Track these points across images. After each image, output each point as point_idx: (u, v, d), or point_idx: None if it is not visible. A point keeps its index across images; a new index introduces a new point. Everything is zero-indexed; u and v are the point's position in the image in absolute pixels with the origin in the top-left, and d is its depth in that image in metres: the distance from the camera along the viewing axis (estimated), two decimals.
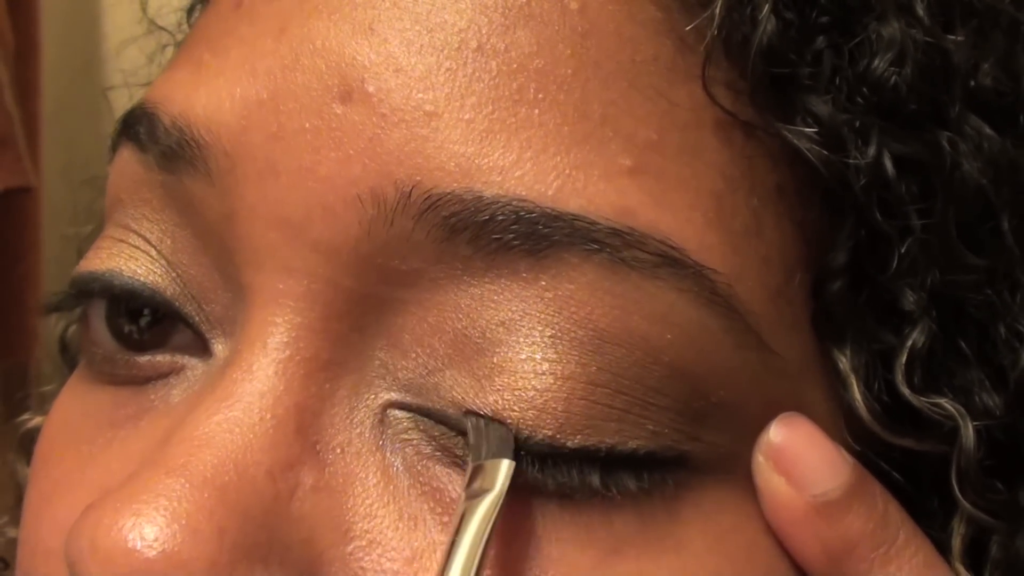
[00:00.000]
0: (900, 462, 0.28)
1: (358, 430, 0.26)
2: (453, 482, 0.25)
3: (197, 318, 0.28)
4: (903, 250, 0.27)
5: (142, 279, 0.29)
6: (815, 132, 0.26)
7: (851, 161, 0.26)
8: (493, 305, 0.25)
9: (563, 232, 0.25)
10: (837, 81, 0.27)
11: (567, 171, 0.25)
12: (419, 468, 0.26)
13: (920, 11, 0.28)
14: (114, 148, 0.30)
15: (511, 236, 0.25)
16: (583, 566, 0.25)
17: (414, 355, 0.26)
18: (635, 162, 0.26)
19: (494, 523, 0.24)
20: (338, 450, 0.26)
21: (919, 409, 0.27)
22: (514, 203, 0.25)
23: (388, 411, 0.26)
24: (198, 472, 0.24)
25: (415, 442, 0.26)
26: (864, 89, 0.27)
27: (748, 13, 0.26)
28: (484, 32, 0.26)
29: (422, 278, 0.26)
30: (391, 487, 0.25)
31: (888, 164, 0.27)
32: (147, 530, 0.23)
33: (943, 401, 0.27)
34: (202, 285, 0.28)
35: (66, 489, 0.29)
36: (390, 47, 0.26)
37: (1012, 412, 0.28)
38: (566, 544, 0.25)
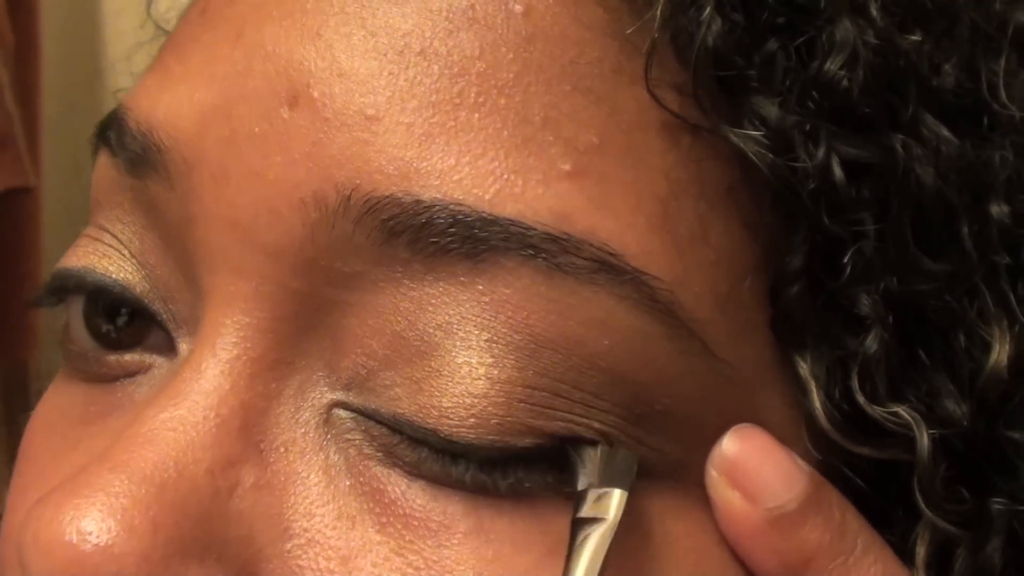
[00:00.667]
0: (864, 470, 0.28)
1: (303, 429, 0.26)
2: (396, 484, 0.25)
3: (164, 317, 0.29)
4: (857, 255, 0.27)
5: (113, 276, 0.29)
6: (762, 135, 0.26)
7: (799, 164, 0.26)
8: (431, 308, 0.25)
9: (499, 237, 0.25)
10: (787, 83, 0.27)
11: (505, 175, 0.25)
12: (360, 468, 0.26)
13: (874, 12, 0.27)
14: (95, 152, 0.31)
15: (448, 239, 0.25)
16: (520, 567, 0.25)
17: (356, 356, 0.26)
18: (575, 166, 0.25)
19: (608, 551, 0.24)
20: (282, 449, 0.26)
21: (876, 417, 0.27)
22: (451, 207, 0.25)
23: (333, 411, 0.26)
24: (138, 468, 0.25)
25: (357, 442, 0.26)
26: (814, 92, 0.26)
27: (692, 14, 0.26)
28: (427, 36, 0.26)
29: (364, 280, 0.26)
30: (332, 486, 0.26)
31: (837, 168, 0.26)
32: (83, 524, 0.24)
33: (900, 409, 0.27)
34: (168, 286, 0.29)
35: (36, 483, 0.29)
36: (335, 52, 0.26)
37: (975, 421, 0.27)
38: (503, 544, 0.25)
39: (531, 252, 0.25)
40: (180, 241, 0.28)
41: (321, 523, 0.25)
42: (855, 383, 0.27)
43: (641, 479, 0.26)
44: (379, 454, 0.26)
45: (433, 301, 0.25)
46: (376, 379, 0.26)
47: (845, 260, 0.27)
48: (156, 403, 0.26)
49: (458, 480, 0.25)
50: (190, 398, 0.26)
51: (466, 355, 0.25)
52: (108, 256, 0.30)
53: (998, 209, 0.28)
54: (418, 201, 0.25)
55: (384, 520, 0.25)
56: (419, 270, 0.25)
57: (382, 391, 0.26)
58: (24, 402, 1.05)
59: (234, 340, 0.26)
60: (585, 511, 0.24)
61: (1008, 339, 0.28)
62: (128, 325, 0.30)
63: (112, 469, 0.25)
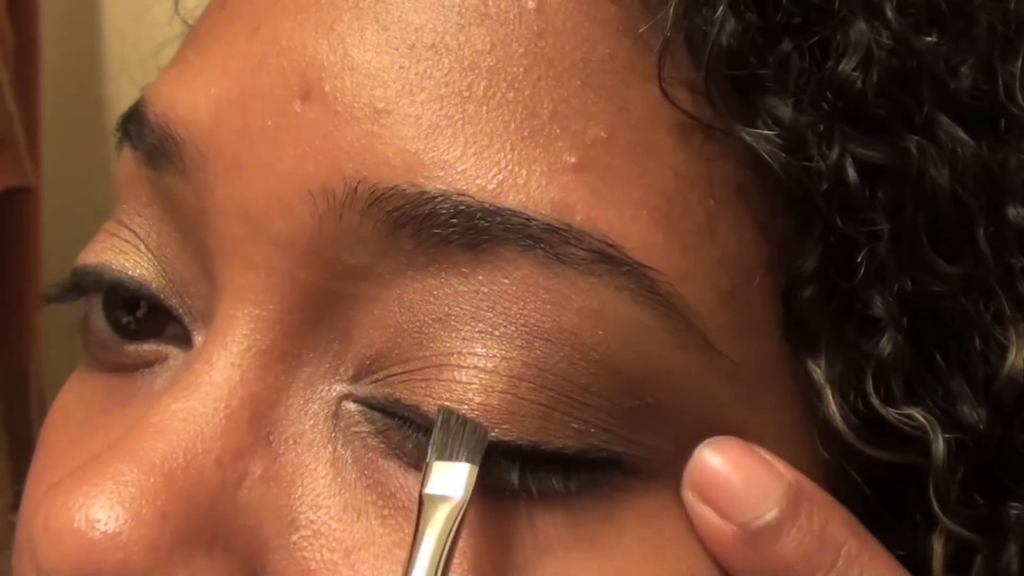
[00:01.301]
0: (880, 474, 0.28)
1: (312, 422, 0.26)
2: (395, 476, 0.26)
3: (181, 310, 0.29)
4: (870, 256, 0.27)
5: (130, 272, 0.30)
6: (775, 134, 0.26)
7: (812, 164, 0.26)
8: (432, 300, 0.26)
9: (500, 227, 0.25)
10: (801, 84, 0.27)
11: (509, 167, 0.25)
12: (366, 461, 0.26)
13: (889, 13, 0.27)
14: (119, 145, 0.31)
15: (451, 230, 0.25)
16: (514, 562, 0.25)
17: (361, 348, 0.26)
18: (581, 159, 0.26)
19: (456, 531, 0.24)
20: (291, 441, 0.26)
21: (891, 420, 0.27)
22: (454, 197, 0.25)
23: (342, 403, 0.27)
24: (147, 458, 0.25)
25: (364, 435, 0.26)
26: (828, 92, 0.26)
27: (705, 13, 0.26)
28: (439, 30, 0.26)
29: (370, 272, 0.26)
30: (339, 479, 0.26)
31: (851, 169, 0.26)
32: (92, 511, 0.24)
33: (915, 412, 0.27)
34: (184, 278, 0.29)
35: (52, 471, 0.30)
36: (347, 46, 0.27)
37: (992, 425, 0.27)
38: (499, 539, 0.25)
39: (530, 243, 0.25)
40: (195, 233, 0.28)
41: (327, 515, 0.26)
42: (870, 386, 0.27)
43: (633, 477, 0.26)
44: (382, 446, 0.26)
45: (435, 292, 0.26)
46: (379, 370, 0.26)
47: (859, 261, 0.27)
48: (168, 394, 0.26)
49: None
50: (201, 389, 0.26)
51: (459, 346, 0.25)
52: (125, 252, 0.30)
53: (1014, 212, 0.28)
54: (422, 192, 0.25)
55: (386, 512, 0.26)
56: (422, 261, 0.26)
57: (383, 381, 0.26)
58: (24, 403, 1.05)
59: (245, 332, 0.26)
60: (434, 486, 0.24)
61: None
62: (147, 317, 0.30)
63: (122, 458, 0.25)
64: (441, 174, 0.25)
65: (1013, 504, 0.28)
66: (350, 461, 0.26)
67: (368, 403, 0.26)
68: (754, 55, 0.26)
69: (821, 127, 0.26)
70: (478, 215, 0.25)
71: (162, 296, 0.29)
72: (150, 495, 0.25)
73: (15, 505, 0.31)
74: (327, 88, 0.26)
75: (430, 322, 0.26)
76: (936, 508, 0.27)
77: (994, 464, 0.28)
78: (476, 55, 0.26)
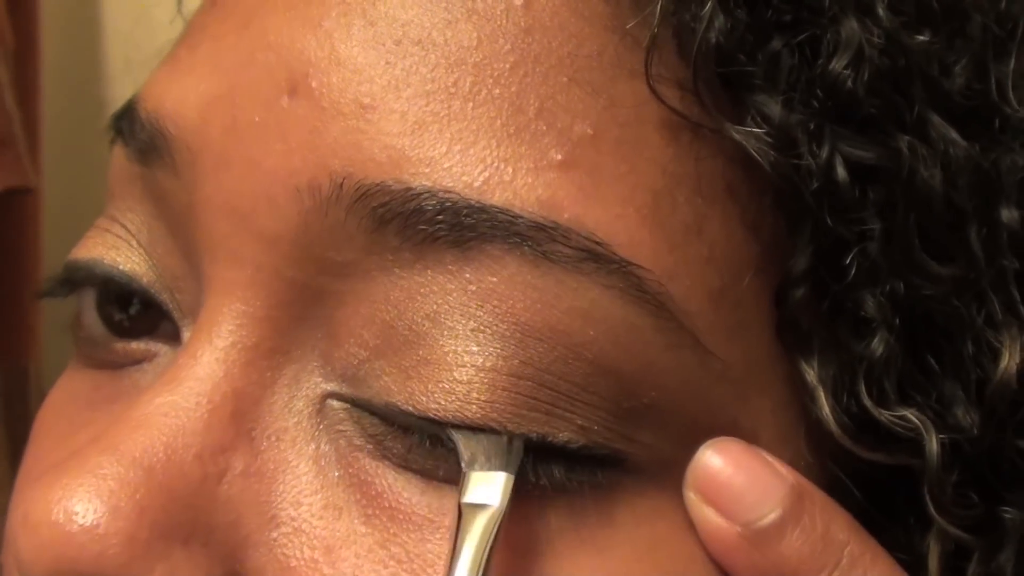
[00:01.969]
0: (874, 476, 0.28)
1: (295, 419, 0.26)
2: (384, 477, 0.26)
3: (171, 305, 0.29)
4: (861, 256, 0.26)
5: (121, 267, 0.30)
6: (765, 133, 0.26)
7: (802, 163, 0.26)
8: (420, 297, 0.25)
9: (487, 224, 0.25)
10: (791, 82, 0.26)
11: (495, 164, 0.25)
12: (349, 459, 0.26)
13: (881, 11, 0.27)
14: (112, 142, 0.31)
15: (436, 227, 0.25)
16: (502, 563, 0.25)
17: (348, 346, 0.26)
18: (567, 156, 0.25)
19: (495, 538, 0.24)
20: (273, 437, 0.26)
21: (884, 422, 0.27)
22: (440, 194, 0.25)
23: (327, 401, 0.27)
24: (127, 452, 0.25)
25: (348, 433, 0.26)
26: (818, 91, 0.26)
27: (693, 9, 0.26)
28: (426, 26, 0.26)
29: (356, 269, 0.26)
30: (321, 476, 0.26)
31: (840, 168, 0.26)
32: (70, 504, 0.24)
33: (908, 413, 0.27)
34: (175, 275, 0.29)
35: (39, 465, 0.30)
36: (334, 41, 0.27)
37: (985, 429, 0.27)
38: (505, 540, 0.25)
39: (517, 240, 0.25)
40: (184, 229, 0.28)
41: (308, 512, 0.26)
42: (863, 387, 0.27)
43: (631, 476, 0.26)
44: (369, 446, 0.26)
45: (422, 290, 0.25)
46: (367, 369, 0.26)
47: (850, 261, 0.26)
48: (152, 389, 0.26)
49: (445, 474, 0.25)
50: (184, 384, 0.26)
51: (452, 344, 0.25)
52: (117, 247, 0.30)
53: (1007, 213, 0.28)
54: (408, 189, 0.25)
55: (370, 512, 0.25)
56: (409, 259, 0.25)
57: (373, 381, 0.26)
58: (24, 403, 1.05)
59: (230, 328, 0.26)
60: (471, 496, 0.24)
61: (1018, 347, 0.27)
62: (140, 314, 0.30)
63: (102, 451, 0.25)
64: (427, 171, 0.25)
65: (1007, 508, 0.28)
66: (333, 459, 0.26)
67: (356, 402, 0.26)
68: (743, 52, 0.26)
69: (811, 126, 0.26)
70: (464, 212, 0.25)
71: (152, 291, 0.29)
72: (129, 489, 0.25)
73: None
74: (314, 84, 0.26)
75: (420, 320, 0.25)
76: (931, 509, 0.27)
77: (988, 467, 0.28)
78: (463, 51, 0.26)
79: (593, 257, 0.25)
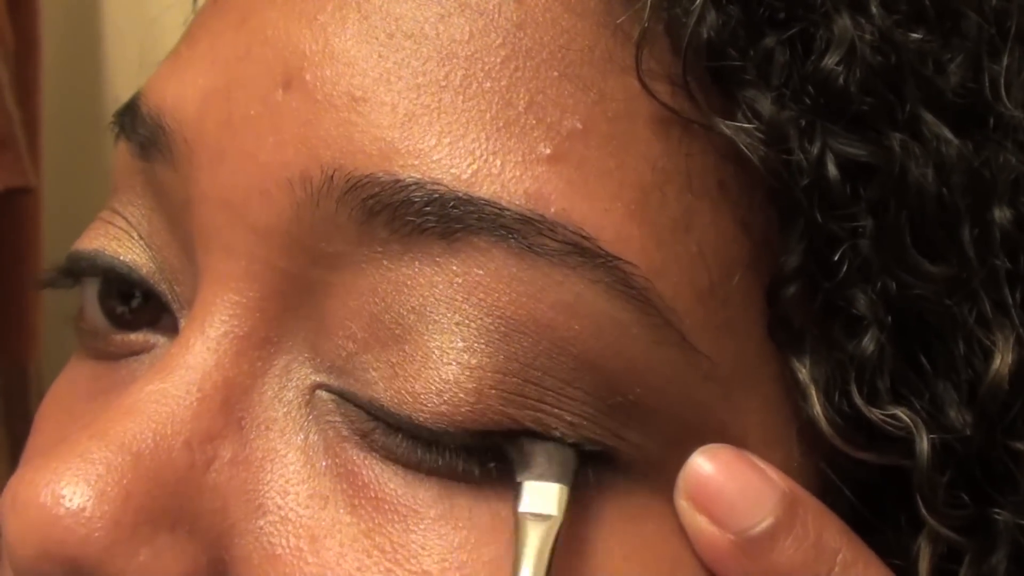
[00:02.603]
0: (866, 477, 0.27)
1: (285, 408, 0.27)
2: (367, 466, 0.26)
3: (170, 297, 0.30)
4: (853, 254, 0.26)
5: (122, 257, 0.30)
6: (755, 128, 0.26)
7: (792, 159, 0.26)
8: (407, 290, 0.26)
9: (473, 216, 0.25)
10: (783, 78, 0.26)
11: (484, 156, 0.25)
12: (337, 450, 0.26)
13: (874, 8, 0.27)
14: (116, 139, 0.31)
15: (425, 218, 0.25)
16: (486, 555, 0.25)
17: (337, 338, 0.26)
18: (556, 150, 0.25)
19: (554, 548, 0.24)
20: (263, 427, 0.26)
21: (875, 421, 0.26)
22: (428, 185, 0.25)
23: (317, 392, 0.27)
24: (116, 438, 0.25)
25: (336, 424, 0.26)
26: (810, 87, 0.26)
27: (684, 4, 0.26)
28: (419, 19, 0.26)
29: (346, 261, 0.26)
30: (308, 466, 0.26)
31: (831, 165, 0.26)
32: (58, 488, 0.25)
33: (900, 412, 0.26)
34: (174, 267, 0.30)
35: (37, 453, 0.30)
36: (328, 35, 0.27)
37: (978, 430, 0.27)
38: (471, 532, 0.25)
39: (504, 233, 0.25)
40: (182, 222, 0.29)
41: (295, 501, 0.26)
42: (854, 386, 0.26)
43: (621, 474, 0.26)
44: (356, 437, 0.26)
45: (409, 282, 0.26)
46: (355, 362, 0.26)
47: (841, 258, 0.26)
48: (144, 377, 0.27)
49: (431, 466, 0.25)
50: (176, 372, 0.26)
51: (438, 339, 0.25)
52: (118, 238, 0.30)
53: (1000, 213, 0.27)
54: (397, 180, 0.25)
55: (356, 502, 0.26)
56: (397, 250, 0.26)
57: (360, 374, 0.26)
58: (24, 402, 1.05)
59: (223, 318, 0.27)
60: (528, 505, 0.25)
61: (1010, 347, 0.27)
62: (142, 307, 0.30)
63: (92, 437, 0.25)
64: (416, 163, 0.25)
65: (998, 510, 0.27)
66: (321, 449, 0.26)
67: (344, 395, 0.26)
68: (735, 48, 0.26)
69: (802, 122, 0.26)
70: (451, 203, 0.25)
71: (152, 281, 0.30)
72: (116, 474, 0.25)
73: None
74: (308, 77, 0.26)
75: (405, 313, 0.26)
76: (922, 510, 0.27)
77: (979, 468, 0.27)
78: (454, 45, 0.26)
79: (579, 251, 0.25)
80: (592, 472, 0.25)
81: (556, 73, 0.26)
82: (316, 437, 0.26)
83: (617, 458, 0.26)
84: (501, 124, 0.26)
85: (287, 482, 0.26)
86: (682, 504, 0.26)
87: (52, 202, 1.06)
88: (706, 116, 0.26)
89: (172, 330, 0.30)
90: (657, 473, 0.26)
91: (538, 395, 0.25)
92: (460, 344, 0.25)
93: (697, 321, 0.26)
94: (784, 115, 0.26)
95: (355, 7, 0.27)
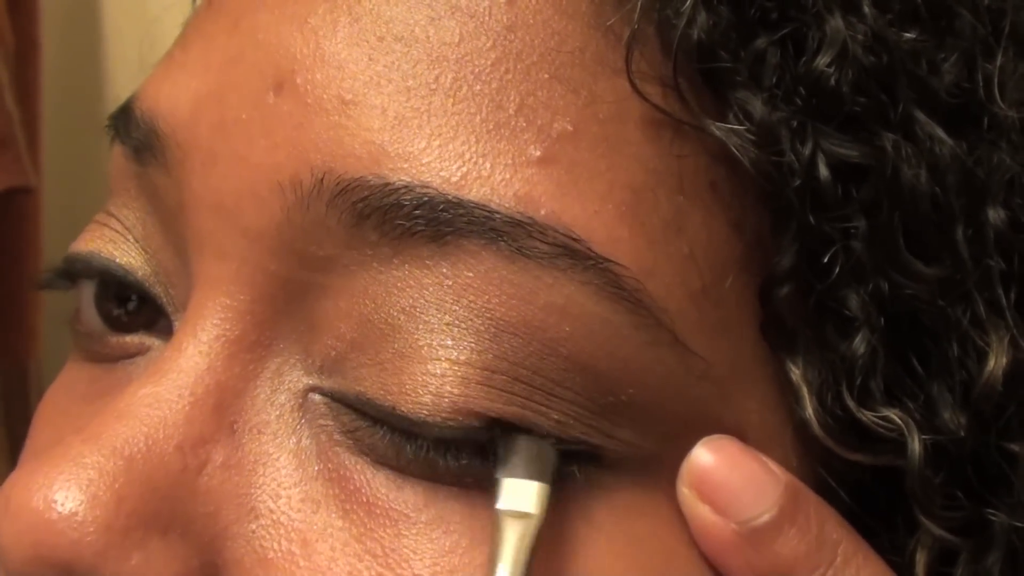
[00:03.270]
0: (861, 478, 0.27)
1: (277, 412, 0.27)
2: (358, 470, 0.26)
3: (165, 300, 0.30)
4: (846, 255, 0.26)
5: (118, 260, 0.30)
6: (746, 129, 0.26)
7: (784, 160, 0.26)
8: (397, 292, 0.26)
9: (463, 220, 0.25)
10: (774, 79, 0.26)
11: (474, 159, 0.25)
12: (329, 454, 0.26)
13: (866, 8, 0.27)
14: (112, 142, 0.32)
15: (415, 222, 0.25)
16: (477, 559, 0.25)
17: (328, 340, 0.26)
18: (546, 152, 0.25)
19: (533, 547, 0.24)
20: (255, 430, 0.26)
21: (867, 422, 0.26)
22: (418, 189, 0.25)
23: (309, 395, 0.27)
24: (108, 442, 0.25)
25: (328, 427, 0.26)
26: (801, 88, 0.26)
27: (675, 5, 0.26)
28: (410, 22, 0.26)
29: (337, 264, 0.26)
30: (300, 470, 0.26)
31: (823, 166, 0.26)
32: (50, 492, 0.25)
33: (892, 414, 0.26)
34: (168, 270, 0.30)
35: (33, 456, 0.30)
36: (319, 38, 0.27)
37: (972, 431, 0.27)
38: (462, 536, 0.25)
39: (494, 235, 0.25)
40: (175, 226, 0.29)
41: (287, 505, 0.26)
42: (845, 387, 0.26)
43: (610, 473, 0.26)
44: (348, 441, 0.26)
45: (399, 284, 0.26)
46: (345, 362, 0.26)
47: (833, 259, 0.26)
48: (137, 381, 0.27)
49: (418, 467, 0.25)
50: (168, 376, 0.26)
51: (427, 337, 0.25)
52: (114, 241, 0.30)
53: (994, 213, 0.27)
54: (387, 184, 0.25)
55: (348, 507, 0.26)
56: (387, 253, 0.26)
57: (350, 373, 0.26)
58: (24, 403, 1.05)
59: (215, 321, 0.27)
60: (505, 502, 0.24)
61: (1004, 348, 0.27)
62: (138, 310, 0.30)
63: (84, 441, 0.25)
64: (405, 166, 0.25)
65: (993, 510, 0.27)
66: (314, 453, 0.26)
67: (334, 396, 0.26)
68: (726, 49, 0.26)
69: (794, 123, 0.26)
70: (441, 207, 0.25)
71: (147, 284, 0.30)
72: (108, 478, 0.25)
73: None
74: (299, 80, 0.26)
75: (396, 314, 0.26)
76: (916, 511, 0.27)
77: (973, 469, 0.27)
78: (445, 47, 0.26)
79: (569, 253, 0.25)
80: (580, 470, 0.25)
81: (546, 75, 0.26)
82: (308, 441, 0.26)
83: (607, 456, 0.26)
84: (491, 126, 0.25)
85: (279, 486, 0.26)
86: (684, 492, 0.26)
87: (52, 202, 1.06)
88: (697, 118, 0.26)
89: (168, 333, 0.30)
90: (651, 471, 0.26)
91: (526, 393, 0.25)
92: (449, 342, 0.25)
93: (690, 322, 0.26)
94: (775, 116, 0.26)
95: (346, 10, 0.27)
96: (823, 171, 0.26)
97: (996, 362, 0.27)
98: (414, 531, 0.25)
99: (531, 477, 0.25)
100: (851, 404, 0.26)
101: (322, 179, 0.26)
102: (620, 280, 0.25)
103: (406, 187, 0.25)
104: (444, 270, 0.25)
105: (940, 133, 0.27)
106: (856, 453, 0.27)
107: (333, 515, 0.25)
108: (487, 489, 0.25)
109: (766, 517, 0.25)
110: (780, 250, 0.26)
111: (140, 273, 0.30)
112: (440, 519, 0.25)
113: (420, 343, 0.25)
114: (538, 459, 0.25)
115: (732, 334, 0.27)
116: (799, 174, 0.26)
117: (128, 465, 0.25)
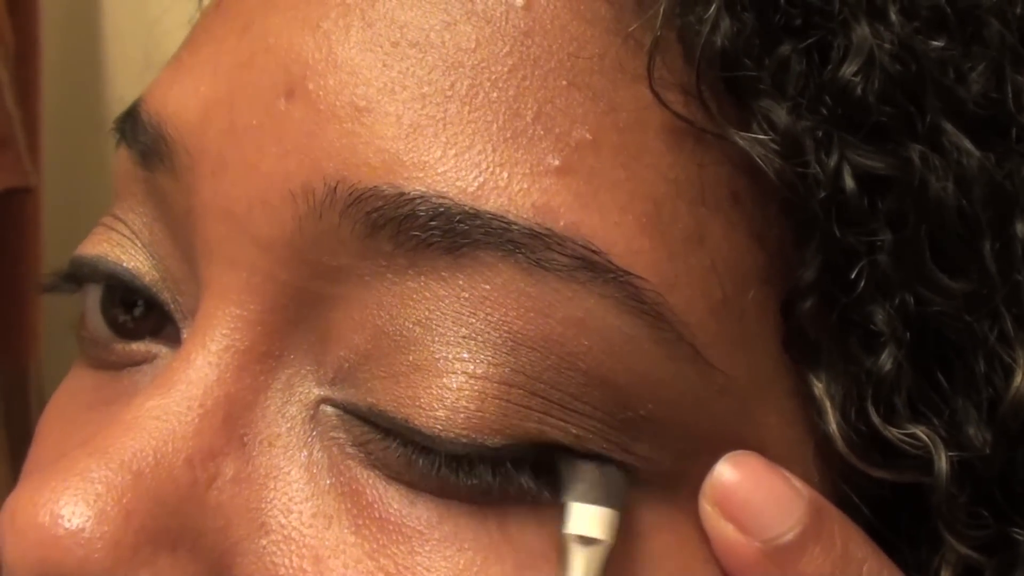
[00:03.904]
0: (883, 495, 0.27)
1: (288, 424, 0.26)
2: (370, 485, 0.25)
3: (172, 307, 0.29)
4: (871, 269, 0.26)
5: (125, 264, 0.30)
6: (771, 139, 0.25)
7: (809, 171, 0.25)
8: (412, 303, 0.25)
9: (480, 231, 0.24)
10: (799, 88, 0.26)
11: (491, 169, 0.25)
12: (341, 468, 0.26)
13: (893, 16, 0.26)
14: (117, 145, 0.31)
15: (430, 233, 0.25)
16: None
17: (341, 351, 0.26)
18: (565, 162, 0.25)
19: (602, 573, 0.24)
20: (266, 443, 0.26)
21: (892, 439, 0.26)
22: (434, 199, 0.25)
23: (320, 407, 0.26)
24: (116, 456, 0.25)
25: (341, 440, 0.26)
26: (827, 97, 0.26)
27: (698, 12, 0.25)
28: (424, 27, 0.26)
29: (350, 274, 0.26)
30: (312, 484, 0.26)
31: (849, 177, 0.25)
32: (56, 507, 0.24)
33: (918, 431, 0.26)
34: (176, 277, 0.29)
35: (38, 465, 0.30)
36: (332, 43, 0.26)
37: (997, 448, 0.26)
38: (476, 553, 0.25)
39: (511, 247, 0.24)
40: (184, 233, 0.28)
41: (298, 520, 0.25)
42: (871, 403, 0.26)
43: (629, 489, 0.25)
44: (360, 454, 0.26)
45: (414, 296, 0.25)
46: (358, 373, 0.26)
47: (858, 273, 0.26)
48: (144, 392, 0.26)
49: (431, 482, 0.25)
50: (176, 388, 0.26)
51: (443, 350, 0.25)
52: (121, 245, 0.30)
53: (1022, 227, 0.27)
54: (401, 194, 0.25)
55: (360, 522, 0.25)
56: (402, 264, 0.25)
57: (362, 385, 0.26)
58: (24, 403, 1.05)
59: (224, 331, 0.26)
60: (574, 527, 0.24)
61: None
62: (144, 316, 0.30)
63: (91, 454, 0.25)
64: (421, 175, 0.25)
65: (1019, 530, 0.27)
66: (325, 467, 0.26)
67: (347, 408, 0.26)
68: (750, 57, 0.25)
69: (819, 133, 0.25)
70: (457, 218, 0.24)
71: (155, 290, 0.29)
72: (116, 493, 0.24)
73: None
74: (311, 86, 0.26)
75: (411, 325, 0.25)
76: (941, 528, 0.26)
77: (999, 487, 0.27)
78: (460, 53, 0.25)
79: (589, 266, 0.24)
80: None
81: (565, 82, 0.25)
82: (320, 454, 0.26)
83: (626, 472, 0.25)
84: (508, 135, 0.25)
85: (291, 500, 0.25)
86: (707, 509, 0.26)
87: (52, 202, 1.05)
88: (720, 127, 0.25)
89: (175, 340, 0.29)
90: (669, 486, 0.26)
91: (543, 408, 0.24)
92: (465, 355, 0.25)
93: (711, 335, 0.25)
94: (800, 126, 0.25)
95: (359, 14, 0.26)
96: (849, 182, 0.25)
97: (1023, 379, 0.26)
98: (427, 548, 0.25)
99: (599, 502, 0.24)
100: (876, 420, 0.26)
101: (335, 188, 0.25)
102: (640, 293, 0.25)
103: (421, 197, 0.25)
104: (460, 282, 0.25)
105: (968, 144, 0.26)
106: (880, 469, 0.26)
107: (345, 531, 0.25)
108: (499, 506, 0.25)
109: (790, 535, 0.25)
110: (803, 262, 0.26)
111: (148, 278, 0.29)
112: (454, 536, 0.25)
113: (436, 356, 0.25)
114: (604, 483, 0.24)
115: (753, 348, 0.26)
116: (824, 185, 0.25)
117: (136, 479, 0.25)
